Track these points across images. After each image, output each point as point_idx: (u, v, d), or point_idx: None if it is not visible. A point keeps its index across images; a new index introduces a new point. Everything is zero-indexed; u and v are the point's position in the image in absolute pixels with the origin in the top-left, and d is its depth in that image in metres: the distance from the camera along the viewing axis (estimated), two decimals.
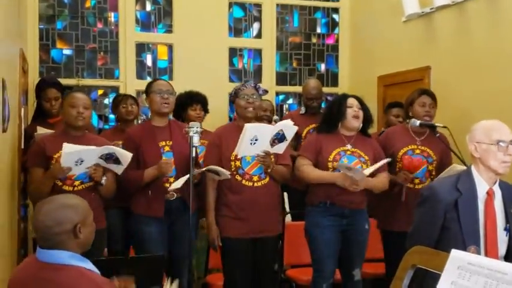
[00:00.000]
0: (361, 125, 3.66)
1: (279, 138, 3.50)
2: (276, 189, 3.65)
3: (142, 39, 5.97)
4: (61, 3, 5.73)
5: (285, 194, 4.92)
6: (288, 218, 4.75)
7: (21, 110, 4.20)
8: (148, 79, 5.82)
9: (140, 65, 5.97)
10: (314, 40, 6.58)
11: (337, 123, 3.64)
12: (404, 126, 4.01)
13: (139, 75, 5.93)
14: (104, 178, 3.36)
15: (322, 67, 6.60)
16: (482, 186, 2.59)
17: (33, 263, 2.03)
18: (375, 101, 5.81)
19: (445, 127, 3.69)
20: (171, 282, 2.56)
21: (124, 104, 4.51)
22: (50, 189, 3.24)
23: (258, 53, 6.37)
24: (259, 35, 6.37)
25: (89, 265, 2.02)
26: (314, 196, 3.62)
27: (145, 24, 6.00)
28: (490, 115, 2.81)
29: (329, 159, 3.57)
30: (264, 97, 4.27)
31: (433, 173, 3.82)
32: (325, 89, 6.26)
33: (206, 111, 4.55)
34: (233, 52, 6.28)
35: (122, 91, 5.71)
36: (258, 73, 6.36)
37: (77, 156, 3.19)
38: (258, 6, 6.34)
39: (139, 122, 4.65)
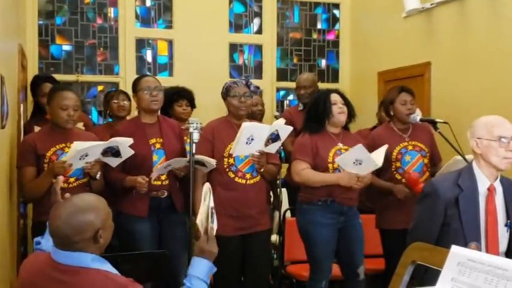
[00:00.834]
0: (345, 119, 3.65)
1: (273, 138, 3.49)
2: (265, 187, 3.69)
3: (142, 34, 5.94)
4: None
5: (284, 190, 4.93)
6: (288, 214, 4.74)
7: (20, 106, 4.19)
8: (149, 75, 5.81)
9: (140, 60, 5.95)
10: (315, 36, 6.56)
11: (324, 121, 3.62)
12: (388, 126, 3.99)
13: (139, 71, 5.89)
14: (99, 173, 3.35)
15: (323, 63, 6.58)
16: (483, 182, 2.59)
17: (49, 264, 1.93)
18: (375, 97, 5.81)
19: (445, 123, 3.68)
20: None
21: (116, 99, 4.50)
22: (47, 187, 3.14)
23: (258, 48, 6.35)
24: (259, 31, 6.35)
25: (109, 267, 1.94)
26: (311, 194, 3.58)
27: (145, 19, 5.98)
28: (490, 111, 2.80)
29: (329, 160, 3.54)
30: (263, 93, 4.25)
31: (429, 165, 3.85)
32: (326, 85, 6.24)
33: (193, 106, 4.54)
34: (233, 48, 6.25)
35: (121, 87, 5.68)
36: (258, 69, 6.34)
37: (84, 152, 3.17)
38: (259, 1, 6.31)
39: None
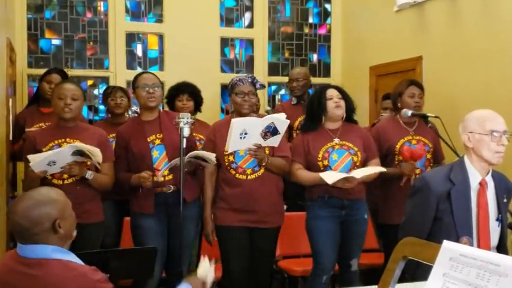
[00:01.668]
0: (344, 113, 3.62)
1: (271, 131, 3.46)
2: (272, 181, 3.59)
3: (132, 28, 5.90)
4: None
5: None
6: None
7: (8, 100, 4.15)
8: (139, 69, 5.78)
9: (130, 55, 5.91)
10: (306, 30, 6.53)
11: (320, 117, 3.60)
12: (394, 119, 3.99)
13: (130, 66, 5.86)
14: (90, 172, 3.32)
15: (315, 57, 6.56)
16: (475, 176, 2.58)
17: (14, 258, 1.97)
18: (367, 91, 5.81)
19: (436, 117, 3.67)
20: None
21: (113, 96, 4.47)
22: (37, 185, 3.15)
23: (249, 43, 6.32)
24: (251, 25, 6.32)
25: (72, 257, 1.98)
26: (312, 191, 3.59)
27: (135, 13, 5.93)
28: (482, 105, 2.79)
29: (318, 158, 3.54)
30: None
31: (432, 161, 3.84)
32: (318, 80, 6.25)
33: (197, 100, 4.50)
34: (225, 42, 6.22)
35: (111, 81, 5.65)
36: (250, 63, 6.31)
37: (46, 161, 3.16)
38: None
39: (130, 113, 4.59)
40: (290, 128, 4.39)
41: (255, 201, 3.49)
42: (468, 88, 4.49)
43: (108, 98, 4.51)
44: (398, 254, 1.49)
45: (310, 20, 6.55)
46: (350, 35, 6.35)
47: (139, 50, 5.96)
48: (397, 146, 3.81)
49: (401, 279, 1.65)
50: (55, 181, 3.28)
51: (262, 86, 3.79)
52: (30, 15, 5.58)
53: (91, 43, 5.82)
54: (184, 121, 3.22)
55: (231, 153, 3.48)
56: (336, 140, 3.58)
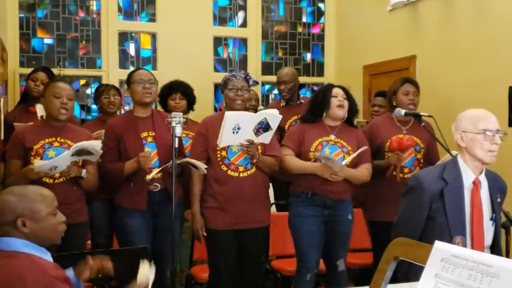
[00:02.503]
0: (346, 115, 3.63)
1: (264, 127, 3.45)
2: (263, 180, 3.58)
3: (125, 28, 5.88)
4: None
5: (270, 185, 4.89)
6: (273, 208, 4.71)
7: (0, 100, 4.12)
8: (132, 68, 5.73)
9: (123, 54, 5.89)
10: (300, 29, 6.53)
11: (322, 112, 3.61)
12: (388, 116, 3.98)
13: (122, 65, 5.84)
14: (84, 171, 3.30)
15: (308, 56, 6.55)
16: (468, 175, 2.57)
17: None
18: (360, 91, 5.79)
19: (430, 116, 3.66)
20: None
21: (106, 94, 4.43)
22: (26, 183, 3.05)
23: (243, 42, 6.31)
24: (244, 24, 6.31)
25: (43, 253, 2.01)
26: (297, 186, 3.59)
27: (128, 12, 5.91)
28: (475, 104, 2.79)
29: (311, 149, 3.54)
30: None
31: (422, 161, 3.82)
32: (311, 79, 6.25)
33: (190, 99, 4.48)
34: (218, 41, 6.21)
35: (104, 81, 5.63)
36: (243, 63, 6.30)
37: (50, 165, 3.13)
38: None
39: (122, 112, 4.57)
40: (281, 130, 4.36)
41: (245, 200, 3.46)
42: (462, 87, 4.49)
43: (101, 96, 4.47)
44: (389, 254, 1.48)
45: (304, 19, 6.54)
46: (344, 34, 6.34)
47: (132, 49, 5.94)
48: (388, 144, 3.81)
49: (394, 279, 1.64)
50: (46, 180, 3.23)
51: (256, 83, 3.78)
52: (22, 14, 5.56)
53: (83, 42, 5.79)
54: (177, 120, 3.19)
55: (223, 149, 3.44)
56: (332, 137, 3.58)
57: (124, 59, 5.89)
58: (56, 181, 3.27)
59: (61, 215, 2.12)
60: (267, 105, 6.04)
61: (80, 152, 3.21)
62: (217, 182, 3.47)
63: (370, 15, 5.80)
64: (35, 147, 3.26)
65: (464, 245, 2.49)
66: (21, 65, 5.51)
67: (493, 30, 4.23)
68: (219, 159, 3.46)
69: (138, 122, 3.53)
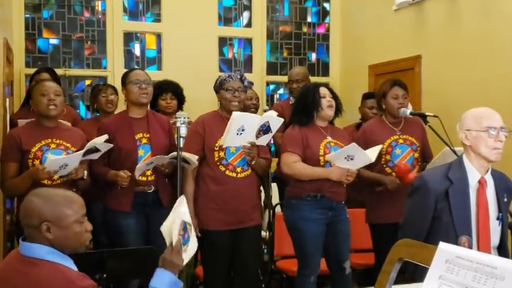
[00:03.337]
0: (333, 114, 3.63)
1: (264, 130, 3.45)
2: (256, 181, 3.63)
3: (130, 28, 5.88)
4: None
5: (274, 184, 4.89)
6: (278, 209, 4.70)
7: (5, 101, 4.13)
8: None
9: (128, 54, 5.89)
10: (305, 29, 6.51)
11: (313, 114, 3.58)
12: (379, 119, 3.96)
13: (128, 65, 5.83)
14: (85, 172, 3.30)
15: (313, 56, 6.54)
16: (473, 175, 2.56)
17: (15, 255, 1.96)
18: (365, 91, 5.75)
19: (435, 116, 3.65)
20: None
21: (104, 93, 4.44)
22: (29, 185, 3.08)
23: (248, 42, 6.30)
24: (249, 24, 6.30)
25: (67, 262, 1.93)
26: (301, 189, 3.53)
27: (133, 13, 5.91)
28: (481, 104, 2.77)
29: (320, 153, 3.51)
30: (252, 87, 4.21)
31: (419, 159, 3.82)
32: (316, 79, 6.22)
33: (180, 99, 4.47)
34: (223, 41, 6.20)
35: (109, 81, 5.63)
36: (248, 63, 6.29)
37: (61, 162, 3.12)
38: None
39: None
40: (287, 127, 4.36)
41: (241, 201, 3.48)
42: (467, 87, 4.48)
43: (98, 95, 4.47)
44: (394, 255, 1.47)
45: (309, 19, 6.53)
46: (349, 34, 6.33)
47: (137, 50, 5.94)
48: (384, 146, 3.79)
49: (401, 279, 1.64)
50: (45, 181, 3.21)
51: (251, 84, 3.78)
52: (28, 15, 5.57)
53: (89, 43, 5.80)
54: (181, 121, 3.18)
55: (221, 149, 3.43)
56: (329, 138, 3.58)
57: (129, 59, 5.89)
58: (55, 182, 3.22)
59: (88, 223, 2.01)
60: (272, 105, 6.03)
61: (88, 151, 3.21)
62: (215, 182, 3.46)
63: (375, 15, 5.79)
64: (33, 150, 3.22)
65: (470, 245, 2.47)
66: (27, 65, 5.52)
67: (499, 30, 4.21)
68: (216, 159, 3.45)
69: (132, 122, 3.49)
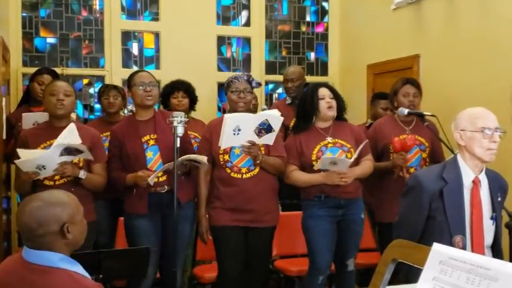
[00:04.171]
0: (336, 113, 3.60)
1: (266, 128, 3.44)
2: (268, 180, 3.57)
3: (128, 27, 5.86)
4: None
5: None
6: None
7: (2, 100, 4.12)
8: (135, 68, 5.73)
9: (126, 53, 5.87)
10: (303, 28, 6.50)
11: (312, 117, 3.58)
12: (391, 117, 3.97)
13: (126, 64, 5.83)
14: (82, 172, 3.28)
15: (312, 56, 6.52)
16: (468, 174, 2.56)
17: (20, 263, 1.91)
18: (364, 90, 5.77)
19: (433, 116, 3.64)
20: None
21: (106, 95, 4.44)
22: (29, 186, 3.18)
23: (246, 41, 6.29)
24: (247, 23, 6.28)
25: (79, 268, 1.91)
26: (307, 193, 3.58)
27: (131, 11, 5.89)
28: (479, 103, 2.76)
29: (312, 158, 3.52)
30: None
31: (427, 160, 3.81)
32: (315, 78, 6.21)
33: (192, 97, 4.48)
34: (221, 40, 6.18)
35: (107, 80, 5.62)
36: (247, 62, 6.27)
37: (34, 165, 3.10)
38: None
39: (126, 112, 4.56)
40: (286, 128, 4.36)
41: (250, 201, 3.47)
42: (466, 86, 4.46)
43: (101, 96, 4.48)
44: (387, 256, 1.46)
45: (308, 18, 6.51)
46: (347, 33, 6.32)
47: (135, 49, 5.92)
48: (391, 146, 3.78)
49: (396, 280, 1.63)
50: (47, 182, 3.23)
51: (258, 84, 3.78)
52: (25, 14, 5.55)
53: (86, 42, 5.78)
54: (178, 120, 3.18)
55: (226, 152, 3.46)
56: (329, 139, 3.57)
57: (127, 59, 5.87)
58: (57, 183, 3.25)
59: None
60: (270, 104, 6.02)
61: (69, 151, 3.18)
62: (223, 184, 3.51)
63: (374, 14, 5.78)
64: (37, 150, 3.25)
65: (464, 244, 2.48)
66: (24, 64, 5.51)
67: (497, 30, 4.20)
68: (222, 162, 3.49)
69: (139, 126, 3.51)
